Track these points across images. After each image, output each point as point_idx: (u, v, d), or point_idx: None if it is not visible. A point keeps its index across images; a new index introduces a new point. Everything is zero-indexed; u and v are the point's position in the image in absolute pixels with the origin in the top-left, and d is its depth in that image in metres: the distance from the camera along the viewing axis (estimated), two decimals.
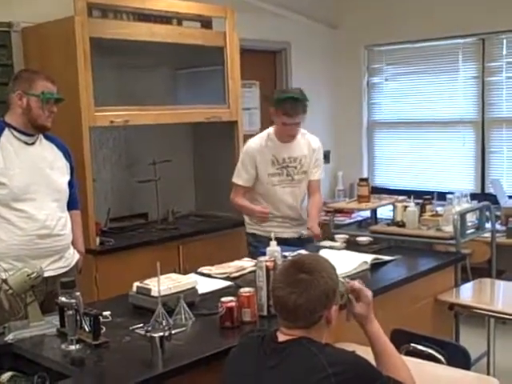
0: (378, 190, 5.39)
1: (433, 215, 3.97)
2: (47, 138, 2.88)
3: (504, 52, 5.26)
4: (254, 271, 2.59)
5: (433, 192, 4.32)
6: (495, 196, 4.97)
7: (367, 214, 4.97)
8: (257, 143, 3.70)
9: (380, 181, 6.10)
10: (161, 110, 4.01)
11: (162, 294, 2.30)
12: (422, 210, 3.99)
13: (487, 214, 3.99)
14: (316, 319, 1.80)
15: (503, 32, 5.19)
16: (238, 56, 4.36)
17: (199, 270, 3.10)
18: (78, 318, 2.15)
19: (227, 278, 2.94)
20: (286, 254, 3.08)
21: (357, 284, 2.07)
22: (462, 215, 3.69)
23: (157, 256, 2.83)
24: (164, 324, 2.20)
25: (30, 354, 2.15)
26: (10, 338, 2.22)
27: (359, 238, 3.68)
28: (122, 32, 3.75)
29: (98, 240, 3.68)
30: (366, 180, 4.50)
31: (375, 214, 4.63)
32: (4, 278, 2.28)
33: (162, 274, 2.31)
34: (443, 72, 5.61)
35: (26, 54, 3.80)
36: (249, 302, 2.35)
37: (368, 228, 4.25)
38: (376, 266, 3.10)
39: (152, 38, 3.90)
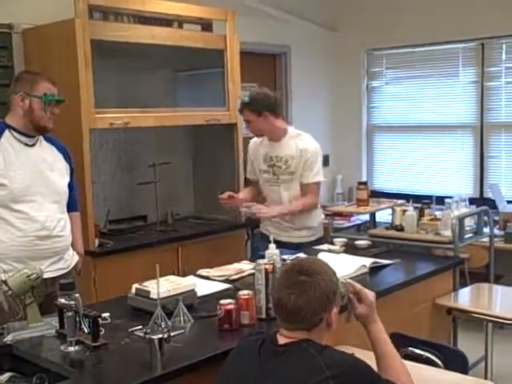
0: (377, 194, 5.40)
1: (431, 219, 3.99)
2: (47, 139, 2.89)
3: (503, 57, 5.28)
4: (253, 274, 2.60)
5: (431, 196, 4.33)
6: (494, 201, 4.98)
7: (366, 217, 4.99)
8: (256, 139, 3.82)
9: (379, 184, 6.11)
10: (161, 113, 4.02)
11: (161, 296, 2.30)
12: (421, 214, 4.00)
13: (485, 218, 4.00)
14: (317, 321, 1.80)
15: (503, 37, 5.20)
16: (238, 59, 4.37)
17: (198, 272, 3.10)
18: (78, 319, 2.15)
19: (226, 281, 2.95)
20: (285, 257, 3.09)
21: (357, 285, 2.08)
22: (461, 220, 3.70)
23: (156, 258, 2.84)
24: (163, 326, 2.20)
25: (28, 355, 2.15)
26: (9, 338, 2.23)
27: (358, 242, 3.69)
28: (122, 34, 3.76)
29: (97, 242, 3.68)
30: (365, 184, 4.51)
31: (374, 217, 4.64)
32: (3, 279, 2.28)
33: (160, 276, 2.32)
34: (443, 76, 5.62)
35: (27, 55, 3.81)
36: (247, 305, 2.35)
37: (367, 232, 4.27)
38: (374, 270, 3.11)
39: (153, 41, 3.91)
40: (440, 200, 4.28)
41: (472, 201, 4.44)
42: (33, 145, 2.81)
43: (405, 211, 3.98)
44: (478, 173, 5.52)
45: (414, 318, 3.00)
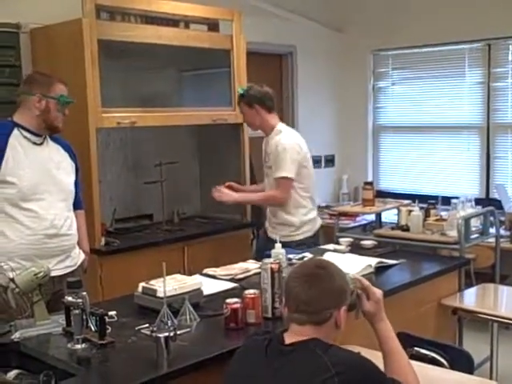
0: (383, 194, 5.40)
1: (437, 220, 3.98)
2: (52, 138, 2.91)
3: (510, 58, 5.26)
4: (259, 273, 2.61)
5: (437, 196, 4.33)
6: (500, 201, 4.98)
7: (372, 217, 5.00)
8: None
9: (385, 185, 6.11)
10: (167, 112, 4.03)
11: (168, 294, 2.31)
12: (427, 215, 4.00)
13: (491, 219, 4.00)
14: (326, 316, 1.82)
15: (510, 38, 5.19)
16: (244, 59, 4.37)
17: (204, 271, 3.11)
18: (84, 317, 2.16)
19: (232, 280, 2.96)
20: (291, 256, 3.10)
21: (365, 281, 2.09)
22: (467, 220, 3.70)
23: (161, 257, 2.84)
24: (169, 324, 2.21)
25: (36, 353, 2.17)
26: (16, 336, 2.24)
27: (363, 242, 3.69)
28: (129, 34, 3.77)
29: (103, 240, 3.69)
30: (370, 184, 4.52)
31: (380, 217, 4.65)
32: (11, 277, 2.30)
33: (167, 274, 2.33)
34: (449, 77, 5.62)
35: (34, 55, 3.82)
36: (253, 304, 2.36)
37: (372, 232, 4.27)
38: (380, 270, 3.11)
39: (159, 41, 3.92)
40: (446, 200, 4.28)
41: (478, 201, 4.44)
42: (40, 144, 2.83)
43: (410, 211, 3.98)
44: (484, 173, 5.51)
45: (419, 317, 3.01)
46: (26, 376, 2.06)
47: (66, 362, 2.06)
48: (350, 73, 6.10)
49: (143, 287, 2.54)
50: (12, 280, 2.28)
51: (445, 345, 2.49)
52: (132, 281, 2.66)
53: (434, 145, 5.78)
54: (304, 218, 3.78)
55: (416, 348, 2.43)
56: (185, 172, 4.57)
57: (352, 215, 5.20)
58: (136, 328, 2.30)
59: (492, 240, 4.03)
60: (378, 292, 2.08)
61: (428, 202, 4.15)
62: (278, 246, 2.91)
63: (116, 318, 2.37)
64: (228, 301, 2.33)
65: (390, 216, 4.64)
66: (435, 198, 4.29)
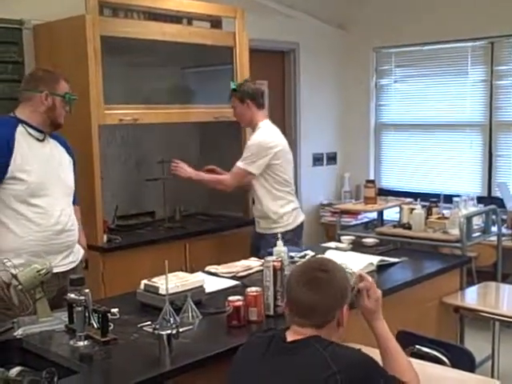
0: (385, 192, 5.40)
1: (439, 218, 3.99)
2: (50, 135, 2.92)
3: None
4: (261, 271, 2.61)
5: (439, 195, 4.33)
6: (502, 199, 4.97)
7: (373, 215, 5.00)
8: None
9: (387, 183, 6.10)
10: (170, 109, 4.04)
11: (170, 292, 2.31)
12: (429, 213, 4.00)
13: (493, 217, 4.00)
14: (329, 318, 1.83)
15: None
16: (247, 56, 4.37)
17: (206, 268, 3.12)
18: (87, 314, 2.17)
19: (234, 278, 2.96)
20: (293, 254, 3.11)
21: (369, 278, 2.10)
22: (469, 218, 3.69)
23: (163, 254, 2.84)
24: (171, 322, 2.21)
25: (38, 350, 2.17)
26: (19, 333, 2.25)
27: (365, 240, 3.69)
28: (132, 31, 3.77)
29: (105, 237, 3.70)
30: (372, 182, 4.52)
31: (381, 215, 4.64)
32: (14, 273, 2.30)
33: (169, 272, 2.33)
34: (452, 75, 5.61)
35: (37, 51, 3.83)
36: (256, 302, 2.37)
37: (374, 230, 4.26)
38: (382, 268, 3.11)
39: (162, 38, 3.92)
40: (448, 198, 4.29)
41: (480, 199, 4.44)
42: (42, 140, 2.84)
43: (412, 209, 3.98)
44: (486, 171, 5.50)
45: (421, 316, 3.01)
46: (29, 373, 2.05)
47: (68, 359, 2.07)
48: (353, 70, 6.09)
49: (145, 284, 2.55)
50: (15, 277, 2.28)
51: (446, 343, 2.49)
52: (134, 278, 2.67)
53: (437, 143, 5.77)
54: (281, 210, 3.87)
55: (417, 346, 2.44)
56: None
57: (354, 213, 5.20)
58: (138, 325, 2.30)
59: (494, 238, 4.03)
60: (379, 291, 2.10)
61: (430, 200, 4.15)
62: (280, 243, 2.90)
63: (118, 316, 2.37)
64: (230, 298, 2.34)
65: (391, 214, 4.64)
66: (437, 196, 4.29)
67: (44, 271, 2.32)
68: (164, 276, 2.30)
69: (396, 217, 4.29)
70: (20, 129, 2.76)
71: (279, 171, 3.85)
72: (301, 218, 3.98)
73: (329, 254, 3.12)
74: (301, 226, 3.97)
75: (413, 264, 3.28)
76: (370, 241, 3.67)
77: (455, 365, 2.34)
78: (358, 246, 3.56)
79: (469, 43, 5.43)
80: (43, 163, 2.79)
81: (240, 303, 2.32)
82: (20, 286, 2.28)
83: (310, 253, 3.24)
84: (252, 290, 2.40)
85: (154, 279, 2.52)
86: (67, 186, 2.93)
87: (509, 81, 5.31)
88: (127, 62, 4.00)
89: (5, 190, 2.69)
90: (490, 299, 3.72)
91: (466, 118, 5.58)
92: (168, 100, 4.14)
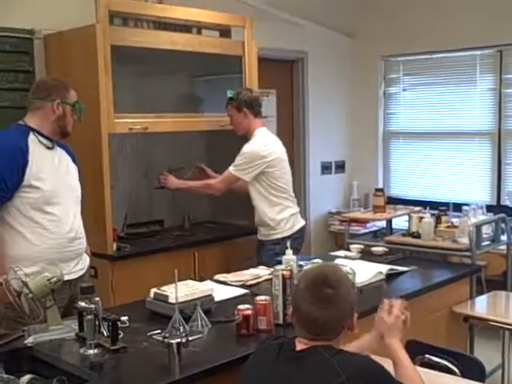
0: (394, 201, 5.39)
1: (448, 226, 3.98)
2: (57, 143, 2.94)
3: None
4: (270, 279, 2.61)
5: (448, 203, 4.32)
6: (511, 208, 4.96)
7: (382, 224, 4.98)
8: None
9: (395, 191, 6.10)
10: (179, 118, 4.05)
11: (179, 300, 2.32)
12: (438, 221, 3.99)
13: (503, 226, 3.99)
14: (341, 330, 1.84)
15: None
16: (255, 65, 4.39)
17: (215, 277, 3.12)
18: (97, 322, 2.17)
19: (243, 286, 2.96)
20: (302, 263, 3.11)
21: (398, 301, 2.11)
22: (478, 227, 3.69)
23: (172, 262, 2.87)
24: (181, 330, 2.22)
25: (49, 358, 2.18)
26: (29, 341, 2.26)
27: (374, 248, 3.69)
28: (142, 40, 3.79)
29: (114, 246, 3.70)
30: (381, 190, 4.52)
31: (390, 224, 4.63)
32: (25, 281, 2.31)
33: (178, 280, 2.34)
34: (460, 83, 5.61)
35: (48, 60, 3.85)
36: (265, 310, 2.37)
37: (383, 238, 4.26)
38: (391, 277, 3.11)
39: (172, 47, 3.94)
40: (457, 207, 4.27)
41: (489, 208, 4.43)
42: (52, 148, 2.86)
43: (421, 218, 3.97)
44: (495, 180, 5.49)
45: (430, 325, 3.00)
46: (39, 381, 2.07)
47: (78, 367, 2.07)
48: (361, 79, 6.10)
49: (155, 293, 2.55)
50: (25, 285, 2.30)
51: (456, 352, 2.48)
52: (143, 286, 2.68)
53: (445, 151, 5.76)
54: (278, 216, 3.88)
55: (427, 356, 2.43)
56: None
57: (363, 221, 5.19)
58: (148, 334, 2.31)
59: (503, 247, 4.01)
60: (402, 317, 2.12)
61: (439, 208, 4.14)
62: (289, 252, 2.91)
63: (128, 324, 2.39)
64: (239, 307, 2.34)
65: (400, 222, 4.63)
66: (446, 204, 4.28)
67: (55, 279, 2.33)
68: (173, 284, 2.31)
69: (405, 225, 4.29)
70: (31, 137, 2.78)
71: (275, 178, 3.87)
72: (300, 223, 3.97)
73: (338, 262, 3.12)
74: (300, 231, 3.96)
75: (422, 273, 3.28)
76: (378, 249, 3.66)
77: (465, 374, 2.33)
78: (366, 255, 3.56)
79: (477, 51, 5.43)
80: (54, 171, 2.82)
81: (249, 312, 2.32)
82: (31, 295, 2.29)
83: (320, 262, 3.23)
84: (261, 298, 2.40)
85: (164, 288, 2.53)
86: (76, 193, 2.95)
87: None
88: (137, 71, 4.02)
89: (21, 199, 2.71)
90: (499, 308, 3.71)
91: (475, 126, 5.57)
92: (177, 109, 4.15)
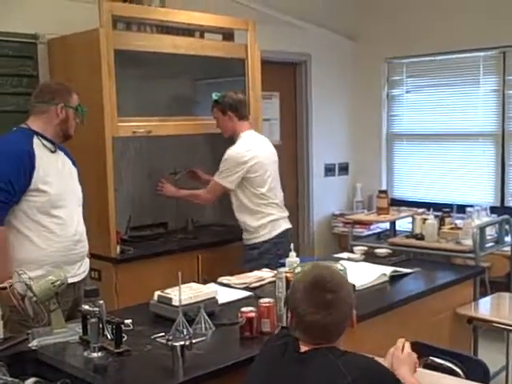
0: (397, 202, 5.39)
1: (452, 228, 3.98)
2: (58, 147, 2.96)
3: None
4: (274, 282, 2.62)
5: (452, 205, 4.31)
6: None
7: (386, 225, 4.99)
8: None
9: (399, 193, 6.09)
10: (182, 121, 4.06)
11: (183, 303, 2.33)
12: (441, 223, 3.99)
13: (507, 227, 3.98)
14: (342, 330, 1.85)
15: None
16: (259, 68, 4.39)
17: (219, 279, 3.13)
18: (101, 325, 2.18)
19: (246, 289, 2.97)
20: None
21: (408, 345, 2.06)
22: (482, 229, 3.69)
23: (176, 265, 2.87)
24: (185, 333, 2.22)
25: (53, 361, 2.19)
26: (33, 344, 2.27)
27: (378, 250, 3.69)
28: (145, 44, 3.80)
29: (118, 248, 3.71)
30: (385, 192, 4.52)
31: (394, 226, 4.64)
32: (29, 285, 2.32)
33: (182, 283, 2.34)
34: (464, 85, 5.60)
35: (52, 65, 3.87)
36: (268, 313, 2.37)
37: (387, 240, 4.26)
38: (395, 279, 3.11)
39: (175, 50, 3.95)
40: (461, 209, 4.27)
41: (493, 209, 4.42)
42: (54, 151, 2.88)
43: (425, 220, 3.98)
44: (499, 181, 5.48)
45: (434, 327, 3.00)
46: None
47: (82, 370, 2.08)
48: (364, 81, 6.10)
49: (159, 296, 2.56)
50: (29, 288, 2.30)
51: (460, 354, 2.48)
52: (147, 289, 2.68)
53: (449, 153, 5.75)
54: (255, 223, 3.87)
55: (431, 357, 2.43)
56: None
57: (366, 223, 5.19)
58: (152, 336, 2.32)
59: (507, 249, 4.01)
60: (411, 354, 2.04)
61: (443, 210, 4.14)
62: (293, 254, 2.91)
63: (131, 327, 2.39)
64: (243, 309, 2.35)
65: (404, 224, 4.63)
66: (450, 206, 4.28)
67: (58, 283, 2.34)
68: (177, 287, 2.32)
69: (408, 227, 4.29)
70: (36, 141, 2.79)
71: (256, 184, 3.84)
72: (279, 228, 3.90)
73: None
74: (280, 236, 3.89)
75: (426, 275, 3.28)
76: (382, 251, 3.66)
77: (469, 376, 2.32)
78: (370, 257, 3.56)
79: (480, 53, 5.43)
80: (59, 175, 2.84)
81: (253, 314, 2.33)
82: (35, 298, 2.30)
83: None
84: (265, 300, 2.41)
85: (168, 290, 2.53)
86: (79, 196, 2.98)
87: None
88: (140, 75, 4.03)
89: (28, 203, 2.72)
90: (503, 310, 3.70)
91: (478, 127, 5.56)
92: (181, 112, 4.16)
